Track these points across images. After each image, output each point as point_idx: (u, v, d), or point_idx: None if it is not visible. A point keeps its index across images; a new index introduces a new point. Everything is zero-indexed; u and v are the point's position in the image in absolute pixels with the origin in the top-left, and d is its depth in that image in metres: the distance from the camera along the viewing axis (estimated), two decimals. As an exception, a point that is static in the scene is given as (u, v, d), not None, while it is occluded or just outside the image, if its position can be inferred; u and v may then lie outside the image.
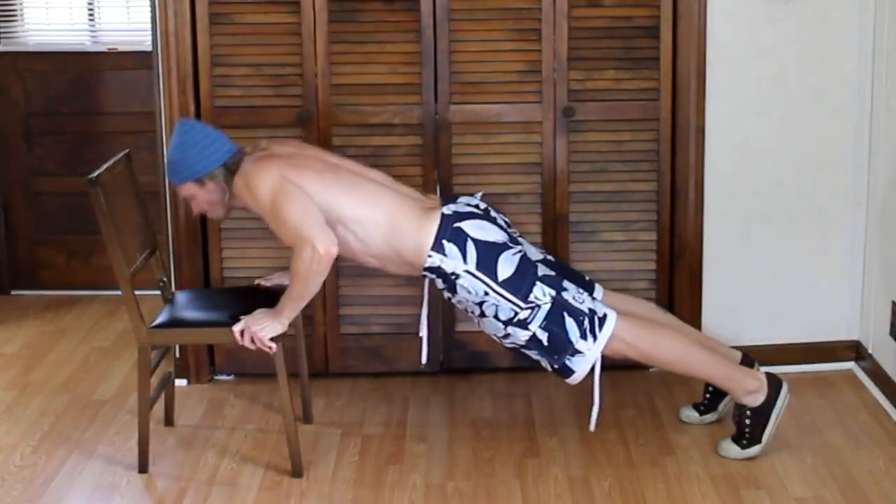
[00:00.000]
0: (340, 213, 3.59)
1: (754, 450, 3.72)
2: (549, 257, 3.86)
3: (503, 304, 3.58)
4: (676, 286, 4.31)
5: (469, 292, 3.60)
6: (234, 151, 3.68)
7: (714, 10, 4.14)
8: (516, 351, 3.71)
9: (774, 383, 3.72)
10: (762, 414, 3.70)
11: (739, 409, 3.73)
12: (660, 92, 4.21)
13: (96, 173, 3.57)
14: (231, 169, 3.65)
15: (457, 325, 4.35)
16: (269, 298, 3.67)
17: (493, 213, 3.74)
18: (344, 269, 4.31)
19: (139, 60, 5.20)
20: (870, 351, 4.25)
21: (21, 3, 5.37)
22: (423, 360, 3.94)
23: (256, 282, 3.98)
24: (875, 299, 4.21)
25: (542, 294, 3.58)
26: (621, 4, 4.16)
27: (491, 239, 3.62)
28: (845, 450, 3.79)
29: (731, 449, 3.74)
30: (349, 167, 3.75)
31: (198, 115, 4.22)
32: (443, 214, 3.63)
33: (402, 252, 3.63)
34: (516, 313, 3.59)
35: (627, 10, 4.16)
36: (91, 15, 5.40)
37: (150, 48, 4.32)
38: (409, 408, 4.18)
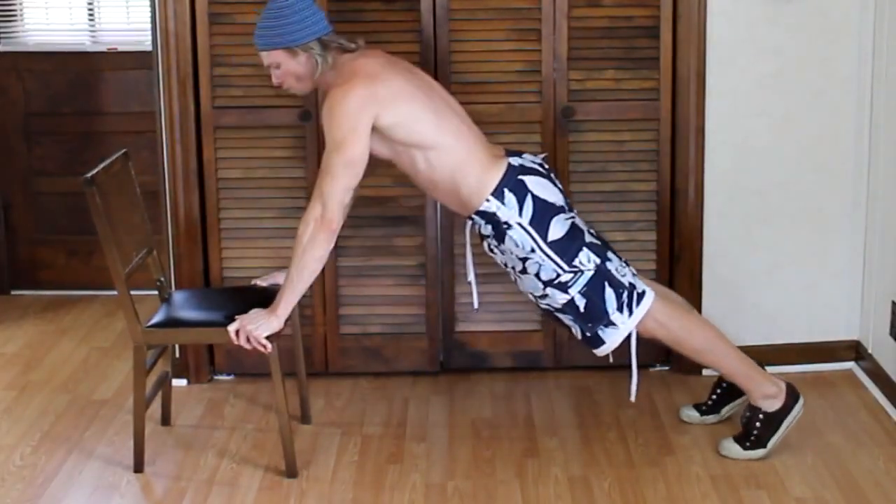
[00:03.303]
0: (422, 137, 3.57)
1: (757, 453, 3.71)
2: (594, 231, 3.83)
3: (547, 264, 3.58)
4: (676, 286, 4.30)
5: (517, 245, 3.59)
6: (329, 30, 3.64)
7: (714, 10, 4.14)
8: (549, 314, 3.71)
9: (793, 394, 3.72)
10: (775, 420, 3.70)
11: (752, 410, 3.72)
12: (660, 92, 4.21)
13: (92, 173, 3.57)
14: (326, 46, 3.61)
15: (457, 325, 4.35)
16: (267, 298, 3.67)
17: (553, 176, 3.74)
18: (344, 269, 4.31)
19: (139, 60, 5.20)
20: (870, 351, 4.25)
21: (21, 3, 5.37)
22: (475, 304, 3.93)
23: (253, 281, 3.98)
24: (875, 299, 4.21)
25: (587, 260, 3.58)
26: (621, 4, 4.16)
27: (550, 199, 3.61)
28: (845, 450, 3.79)
29: (732, 448, 3.74)
30: (438, 91, 3.72)
31: (197, 115, 4.22)
32: (510, 164, 3.62)
33: (462, 188, 3.60)
34: (559, 275, 3.58)
35: (627, 10, 4.16)
36: (91, 15, 5.40)
37: (150, 48, 4.32)
38: (409, 408, 4.18)
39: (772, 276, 4.32)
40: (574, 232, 3.61)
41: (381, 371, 4.41)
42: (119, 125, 5.35)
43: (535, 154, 3.78)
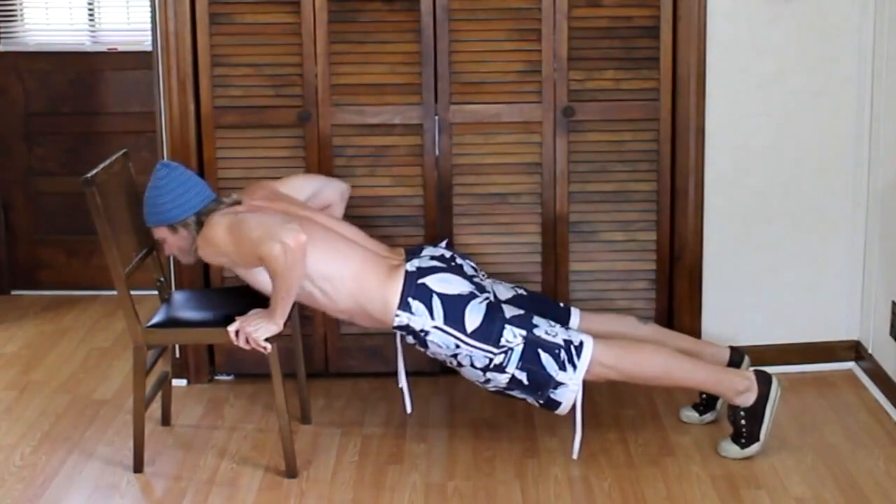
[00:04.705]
0: (308, 268, 3.55)
1: (754, 448, 3.72)
2: (521, 292, 3.86)
3: (476, 353, 3.59)
4: (676, 286, 4.31)
5: (440, 346, 3.61)
6: (209, 200, 3.67)
7: (714, 10, 4.14)
8: (501, 394, 3.72)
9: (764, 379, 3.72)
10: (756, 412, 3.70)
11: (733, 410, 3.73)
12: (660, 92, 4.20)
13: (92, 173, 3.57)
14: (201, 220, 3.64)
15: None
16: (265, 299, 3.66)
17: (458, 261, 3.75)
18: (344, 269, 4.31)
19: (139, 60, 5.20)
20: (870, 351, 4.25)
21: (21, 3, 5.37)
22: (408, 409, 3.95)
23: (253, 282, 3.99)
24: (875, 299, 4.21)
25: (512, 336, 3.58)
26: (621, 4, 4.16)
27: (456, 291, 3.61)
28: (845, 450, 3.79)
29: (731, 449, 3.74)
30: (321, 221, 3.72)
31: (198, 115, 4.22)
32: (406, 272, 3.62)
33: (370, 310, 3.63)
34: (491, 360, 3.59)
35: (627, 10, 4.16)
36: (91, 15, 5.40)
37: (150, 48, 4.32)
38: (409, 408, 4.19)
39: (772, 276, 4.32)
40: (492, 313, 3.60)
41: (381, 371, 4.41)
42: (119, 125, 5.35)
43: (436, 244, 3.82)
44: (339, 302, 3.63)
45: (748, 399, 3.70)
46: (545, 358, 3.59)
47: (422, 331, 3.60)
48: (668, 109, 4.22)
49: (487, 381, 3.66)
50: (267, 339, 3.56)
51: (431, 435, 3.97)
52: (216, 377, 4.45)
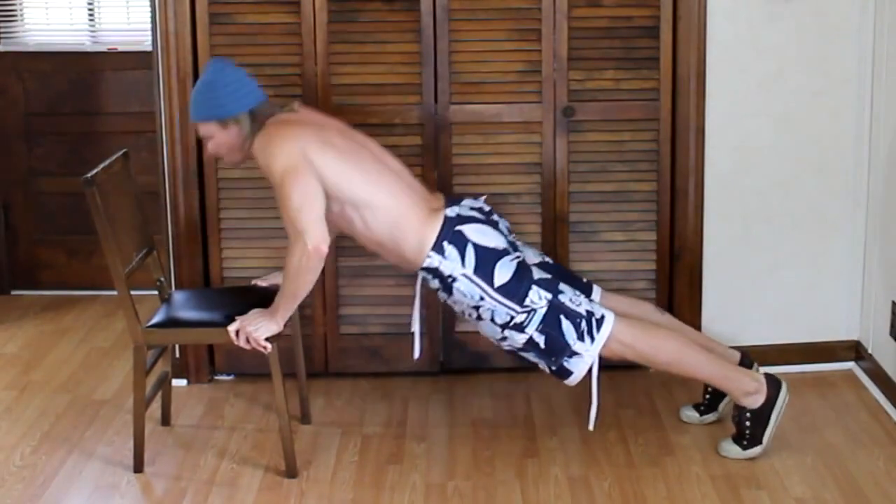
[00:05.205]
0: (354, 194, 3.57)
1: (755, 450, 3.71)
2: (548, 260, 3.86)
3: (499, 309, 3.58)
4: (676, 286, 4.31)
5: (465, 295, 3.60)
6: (261, 100, 3.66)
7: (714, 10, 4.14)
8: (514, 354, 3.71)
9: (774, 384, 3.72)
10: (762, 415, 3.70)
11: (739, 410, 3.73)
12: (660, 92, 4.21)
13: (92, 173, 3.57)
14: (256, 117, 3.63)
15: (457, 325, 4.35)
16: (266, 298, 3.67)
17: (495, 217, 3.75)
18: (344, 269, 4.31)
19: (139, 60, 5.20)
20: (870, 351, 4.25)
21: (21, 3, 5.37)
22: (416, 354, 3.94)
23: (253, 282, 3.99)
24: (875, 299, 4.21)
25: (537, 298, 3.58)
26: (621, 4, 4.16)
27: (491, 244, 3.61)
28: (845, 450, 3.79)
29: (731, 449, 3.74)
30: (372, 149, 3.73)
31: (198, 115, 4.22)
32: (446, 216, 3.62)
33: (403, 247, 3.62)
34: (512, 317, 3.59)
35: (627, 10, 4.16)
36: (91, 15, 5.40)
37: (150, 48, 4.32)
38: (409, 408, 4.18)
39: (772, 276, 4.32)
40: (521, 272, 3.60)
41: (381, 371, 4.41)
42: (119, 125, 5.35)
43: (475, 197, 3.80)
44: (375, 231, 3.62)
45: (756, 401, 3.70)
46: (566, 325, 3.58)
47: (450, 276, 3.59)
48: (668, 109, 4.22)
49: (504, 338, 3.64)
50: (267, 339, 3.56)
51: (431, 435, 3.97)
52: (216, 377, 4.45)
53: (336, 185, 3.55)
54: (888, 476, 3.62)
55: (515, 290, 3.58)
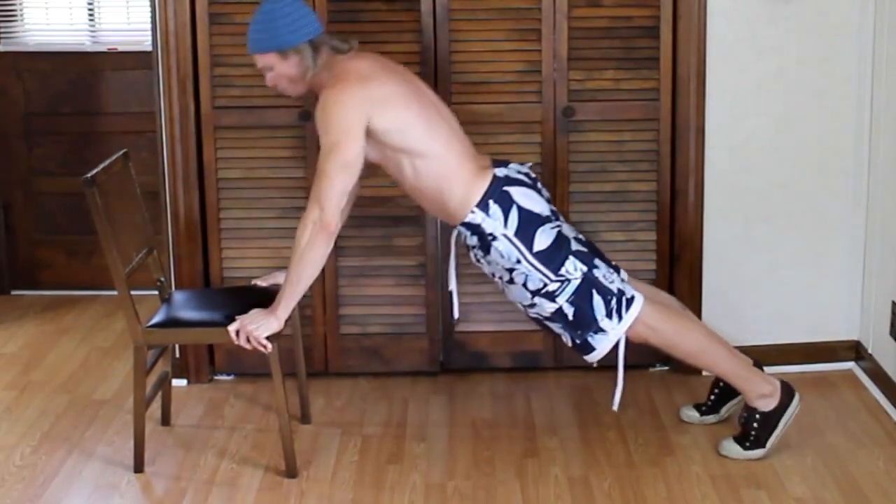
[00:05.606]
0: (412, 144, 3.56)
1: (756, 453, 3.71)
2: (581, 237, 3.84)
3: (533, 274, 3.58)
4: (676, 286, 4.31)
5: (502, 256, 3.59)
6: (320, 31, 3.63)
7: (714, 10, 4.14)
8: (538, 322, 3.70)
9: (788, 391, 3.72)
10: (771, 420, 3.70)
11: (749, 411, 3.72)
12: (660, 92, 4.21)
13: (92, 173, 3.57)
14: (318, 48, 3.60)
15: (457, 325, 4.35)
16: (266, 298, 3.67)
17: (539, 185, 3.74)
18: (344, 269, 4.31)
19: (139, 60, 5.20)
20: (870, 351, 4.25)
21: (21, 3, 5.37)
22: (455, 315, 3.94)
23: (253, 281, 3.98)
24: (875, 299, 4.21)
25: (573, 269, 3.58)
26: (621, 4, 4.16)
27: (535, 210, 3.61)
28: (845, 450, 3.79)
29: (732, 448, 3.74)
30: (431, 98, 3.71)
31: (197, 115, 4.22)
32: (495, 175, 3.62)
33: (448, 199, 3.60)
34: (545, 284, 3.58)
35: (627, 10, 4.16)
36: (91, 15, 5.40)
37: (150, 48, 4.32)
38: (409, 408, 4.18)
39: (772, 276, 4.32)
40: (560, 241, 3.60)
41: (381, 371, 4.41)
42: (119, 125, 5.35)
43: (521, 163, 3.78)
44: (423, 180, 3.60)
45: (768, 404, 3.70)
46: (597, 300, 3.58)
47: (490, 234, 3.58)
48: (668, 109, 4.22)
49: (532, 305, 3.64)
50: (267, 338, 3.56)
51: (431, 435, 3.97)
52: (216, 377, 4.45)
53: (398, 133, 3.54)
54: (888, 476, 3.62)
55: (553, 258, 3.57)
